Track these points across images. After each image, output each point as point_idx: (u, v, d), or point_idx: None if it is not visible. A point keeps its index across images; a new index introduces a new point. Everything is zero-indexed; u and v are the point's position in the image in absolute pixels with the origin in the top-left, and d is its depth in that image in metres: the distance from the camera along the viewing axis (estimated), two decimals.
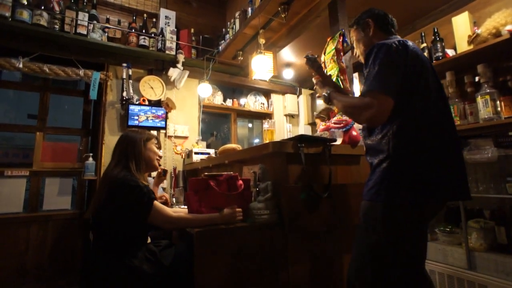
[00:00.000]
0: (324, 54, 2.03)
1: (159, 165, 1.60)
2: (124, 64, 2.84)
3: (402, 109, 1.06)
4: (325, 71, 1.99)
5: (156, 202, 1.28)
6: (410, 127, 1.05)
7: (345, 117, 1.67)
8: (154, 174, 2.81)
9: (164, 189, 2.83)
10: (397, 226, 1.04)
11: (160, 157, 1.57)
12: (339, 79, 1.79)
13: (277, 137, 3.24)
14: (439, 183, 1.03)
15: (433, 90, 1.10)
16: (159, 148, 1.59)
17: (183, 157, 3.09)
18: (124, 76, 2.84)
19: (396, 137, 1.06)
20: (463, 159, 1.13)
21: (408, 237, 1.05)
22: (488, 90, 1.75)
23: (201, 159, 2.65)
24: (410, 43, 1.13)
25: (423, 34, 2.25)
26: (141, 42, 2.92)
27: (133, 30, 2.94)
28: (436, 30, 2.14)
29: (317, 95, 1.48)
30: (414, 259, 1.15)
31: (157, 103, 3.00)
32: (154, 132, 2.86)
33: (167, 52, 3.02)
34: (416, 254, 1.15)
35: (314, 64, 1.44)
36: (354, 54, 1.43)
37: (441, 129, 1.08)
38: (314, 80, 1.46)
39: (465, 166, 1.13)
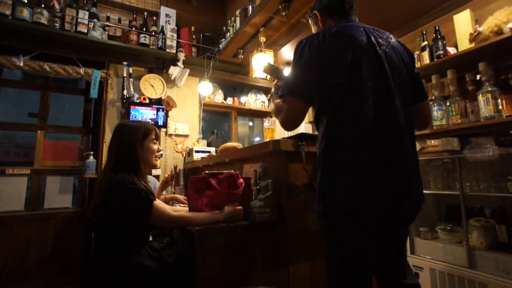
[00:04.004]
0: None
1: (160, 167, 1.56)
2: (125, 63, 2.84)
3: (328, 108, 0.98)
4: None
5: (155, 203, 1.26)
6: (335, 127, 0.96)
7: None
8: (155, 172, 2.82)
9: None
10: (342, 236, 0.95)
11: (159, 152, 1.51)
12: None
13: (278, 136, 3.23)
14: (370, 188, 0.90)
15: (370, 80, 0.95)
16: (157, 139, 1.50)
17: (184, 155, 3.09)
18: (125, 75, 2.83)
19: (323, 140, 0.97)
20: (409, 155, 0.97)
21: (359, 247, 0.94)
22: (490, 88, 1.74)
23: (201, 158, 2.65)
24: (337, 29, 1.01)
25: (424, 32, 2.24)
26: (142, 40, 2.91)
27: (134, 29, 2.93)
28: (437, 28, 2.13)
29: None
30: (381, 270, 1.07)
31: (158, 102, 3.00)
32: None
33: (167, 50, 3.01)
34: (380, 265, 1.06)
35: (271, 70, 1.42)
36: None
37: (378, 123, 0.93)
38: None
39: (415, 162, 1.00)
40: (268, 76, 2.81)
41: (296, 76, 1.02)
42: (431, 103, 2.08)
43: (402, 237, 1.10)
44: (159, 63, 3.10)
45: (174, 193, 2.74)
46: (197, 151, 2.77)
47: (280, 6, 2.33)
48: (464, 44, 1.94)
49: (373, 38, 1.03)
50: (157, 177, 2.83)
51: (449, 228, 1.94)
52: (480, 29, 1.84)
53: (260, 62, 2.42)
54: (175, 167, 2.98)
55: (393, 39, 1.11)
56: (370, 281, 0.97)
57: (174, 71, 3.04)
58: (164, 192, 2.59)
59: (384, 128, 0.94)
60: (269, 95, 1.33)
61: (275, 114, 1.13)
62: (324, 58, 0.98)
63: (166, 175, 2.12)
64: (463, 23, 1.97)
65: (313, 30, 1.29)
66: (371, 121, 0.93)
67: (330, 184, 0.94)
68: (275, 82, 1.40)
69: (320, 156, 0.99)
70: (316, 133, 1.08)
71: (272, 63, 1.46)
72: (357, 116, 0.93)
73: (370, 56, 0.99)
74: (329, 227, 0.97)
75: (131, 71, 2.86)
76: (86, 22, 2.64)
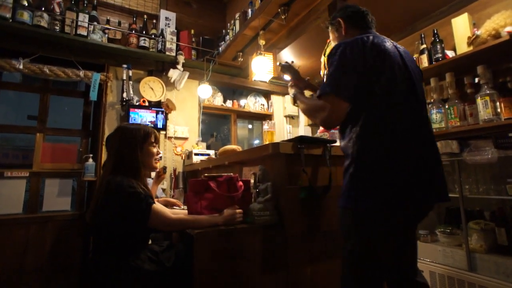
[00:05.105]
0: (324, 55, 2.04)
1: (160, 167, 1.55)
2: (124, 65, 2.84)
3: (364, 109, 1.03)
4: (325, 72, 1.99)
5: (154, 206, 1.26)
6: (373, 128, 1.01)
7: None
8: (154, 175, 2.82)
9: (164, 190, 2.82)
10: (369, 233, 1.00)
11: (159, 155, 1.52)
12: None
13: (277, 138, 3.23)
14: (406, 186, 0.96)
15: (403, 87, 1.05)
16: (157, 142, 1.50)
17: (183, 158, 3.09)
18: (124, 77, 2.84)
19: (360, 140, 1.02)
20: (437, 159, 1.07)
21: (382, 244, 1.01)
22: (488, 91, 1.75)
23: (201, 160, 2.65)
24: (373, 38, 1.08)
25: (423, 36, 2.25)
26: (141, 43, 2.92)
27: (133, 31, 2.94)
28: (435, 32, 2.15)
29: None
30: (396, 267, 1.11)
31: (157, 104, 3.00)
32: None
33: (167, 53, 3.02)
34: (397, 262, 1.10)
35: (289, 70, 1.44)
36: None
37: (411, 128, 1.02)
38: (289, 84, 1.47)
39: (441, 165, 1.07)
40: (271, 78, 2.80)
41: (339, 76, 1.05)
42: (430, 106, 2.09)
43: (415, 233, 1.19)
44: (159, 66, 3.11)
45: (173, 196, 2.74)
46: (196, 154, 2.77)
47: (279, 10, 2.34)
48: (463, 47, 1.95)
49: (401, 51, 1.12)
50: None
51: (448, 231, 1.94)
52: (478, 32, 1.85)
53: (259, 65, 2.42)
54: (174, 170, 2.98)
55: (410, 55, 1.19)
56: (385, 277, 1.04)
57: (173, 74, 3.04)
58: (163, 195, 2.58)
59: (418, 133, 1.03)
60: (291, 95, 1.38)
61: (310, 112, 1.19)
62: (364, 63, 1.03)
63: (158, 169, 2.12)
64: (461, 27, 1.99)
65: (332, 36, 1.34)
66: (408, 127, 1.01)
67: (366, 182, 0.98)
68: (291, 83, 1.42)
69: (355, 154, 1.02)
70: (316, 135, 1.10)
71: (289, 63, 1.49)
72: (395, 121, 1.01)
73: (402, 68, 1.08)
74: (357, 223, 1.01)
75: (130, 74, 2.87)
76: (86, 25, 2.64)
